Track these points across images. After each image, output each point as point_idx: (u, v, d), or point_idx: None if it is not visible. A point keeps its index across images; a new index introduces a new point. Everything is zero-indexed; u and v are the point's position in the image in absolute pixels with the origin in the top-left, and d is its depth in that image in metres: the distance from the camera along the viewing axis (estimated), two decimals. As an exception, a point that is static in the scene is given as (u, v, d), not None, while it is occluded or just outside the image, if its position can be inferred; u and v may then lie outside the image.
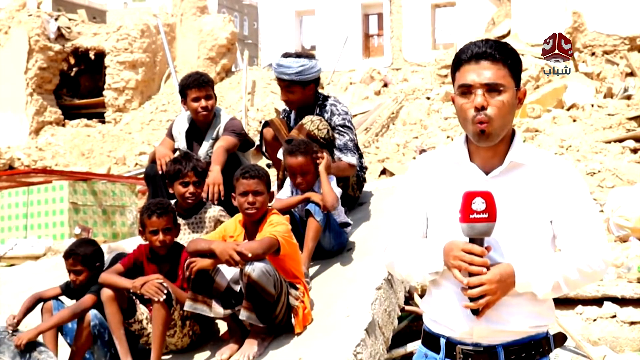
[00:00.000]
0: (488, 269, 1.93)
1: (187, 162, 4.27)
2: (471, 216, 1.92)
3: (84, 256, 3.93)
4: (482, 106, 1.98)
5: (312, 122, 4.63)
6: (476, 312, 1.96)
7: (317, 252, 4.20)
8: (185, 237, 4.20)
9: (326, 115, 4.80)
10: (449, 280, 2.04)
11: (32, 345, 3.76)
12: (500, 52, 2.01)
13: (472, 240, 1.96)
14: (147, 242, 3.94)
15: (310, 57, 4.89)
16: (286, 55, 4.83)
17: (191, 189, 4.22)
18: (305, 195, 4.23)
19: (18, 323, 3.92)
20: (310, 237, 4.07)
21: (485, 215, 1.92)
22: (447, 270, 2.03)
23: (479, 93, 1.99)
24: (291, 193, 4.41)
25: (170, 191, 4.32)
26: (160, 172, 4.64)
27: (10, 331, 3.84)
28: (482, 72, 1.99)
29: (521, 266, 1.96)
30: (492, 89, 1.99)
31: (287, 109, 5.09)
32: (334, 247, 4.33)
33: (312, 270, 4.29)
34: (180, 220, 4.23)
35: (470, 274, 1.93)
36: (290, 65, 4.73)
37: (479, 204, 1.92)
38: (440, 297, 2.08)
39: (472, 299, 1.94)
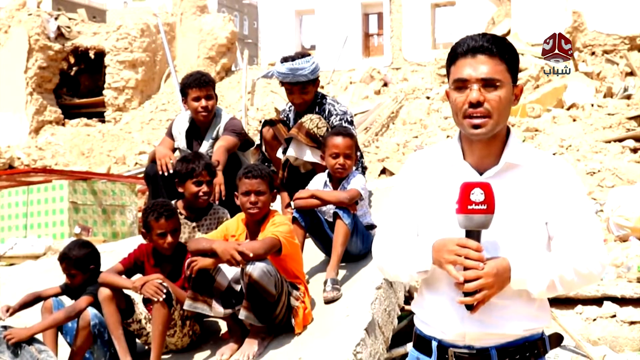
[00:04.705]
0: (484, 263, 1.87)
1: (200, 161, 4.23)
2: (469, 207, 1.86)
3: (76, 260, 3.92)
4: (477, 101, 1.93)
5: (311, 121, 4.63)
6: (470, 308, 1.90)
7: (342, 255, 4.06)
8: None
9: (324, 115, 4.80)
10: (440, 281, 2.00)
11: (26, 342, 3.75)
12: (497, 46, 1.96)
13: (468, 233, 1.90)
14: (150, 243, 3.93)
15: (307, 55, 4.92)
16: (286, 59, 4.82)
17: (205, 188, 4.19)
18: (311, 192, 4.18)
19: (11, 314, 3.93)
20: (340, 242, 3.95)
21: (484, 207, 1.86)
22: (437, 271, 1.98)
23: (475, 88, 1.94)
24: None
25: (180, 190, 4.25)
26: (160, 173, 4.63)
27: (1, 324, 3.84)
28: (479, 67, 1.94)
29: (517, 262, 1.91)
30: (488, 84, 1.94)
31: (287, 108, 5.09)
32: (361, 252, 4.23)
33: (311, 271, 4.29)
34: (189, 223, 4.23)
35: (466, 269, 1.87)
36: (303, 66, 4.73)
37: (477, 195, 1.86)
38: (432, 299, 2.04)
39: (467, 294, 1.88)
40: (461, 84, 1.96)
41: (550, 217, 1.98)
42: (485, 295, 1.87)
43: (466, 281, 1.87)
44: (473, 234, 1.90)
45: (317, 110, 4.84)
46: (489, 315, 1.93)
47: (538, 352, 2.00)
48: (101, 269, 4.01)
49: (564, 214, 1.97)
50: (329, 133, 4.38)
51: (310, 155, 4.63)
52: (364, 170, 4.98)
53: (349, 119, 4.81)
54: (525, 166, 2.01)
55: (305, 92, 4.80)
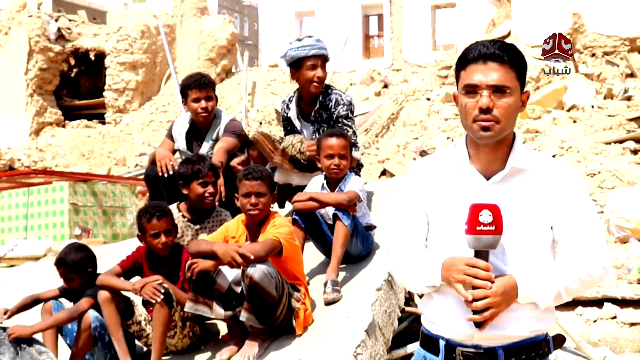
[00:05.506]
0: (492, 283, 1.93)
1: (204, 162, 4.24)
2: (478, 228, 1.92)
3: (73, 264, 3.92)
4: (487, 107, 1.97)
5: (293, 146, 4.64)
6: (479, 325, 1.96)
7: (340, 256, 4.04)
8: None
9: (330, 104, 4.78)
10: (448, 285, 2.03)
11: (26, 343, 3.76)
12: (508, 54, 2.00)
13: (477, 253, 1.96)
14: (146, 245, 3.93)
15: None
16: (300, 39, 4.86)
17: (210, 188, 4.20)
18: (310, 194, 4.18)
19: (9, 317, 3.93)
20: (340, 244, 3.94)
21: (492, 228, 1.92)
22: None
23: (485, 94, 1.98)
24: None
25: (185, 192, 4.25)
26: (160, 174, 4.63)
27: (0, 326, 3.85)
28: (490, 73, 1.98)
29: (523, 278, 1.96)
30: (498, 90, 1.98)
31: (286, 99, 5.04)
32: (361, 253, 4.23)
33: (311, 272, 4.29)
34: (192, 226, 4.23)
35: (474, 287, 1.93)
36: (321, 40, 4.82)
37: (486, 216, 1.92)
38: (440, 299, 2.07)
39: (475, 312, 1.94)
40: (471, 89, 2.00)
41: (555, 221, 2.03)
42: (493, 313, 1.94)
43: (474, 300, 1.92)
44: (481, 253, 1.96)
45: (321, 99, 4.82)
46: (497, 318, 1.98)
47: (542, 353, 2.05)
48: (98, 271, 4.01)
49: (568, 219, 2.02)
50: (322, 134, 4.39)
51: (297, 180, 4.65)
52: (359, 167, 4.92)
53: (353, 109, 4.86)
54: (531, 171, 2.05)
55: (324, 68, 4.81)
